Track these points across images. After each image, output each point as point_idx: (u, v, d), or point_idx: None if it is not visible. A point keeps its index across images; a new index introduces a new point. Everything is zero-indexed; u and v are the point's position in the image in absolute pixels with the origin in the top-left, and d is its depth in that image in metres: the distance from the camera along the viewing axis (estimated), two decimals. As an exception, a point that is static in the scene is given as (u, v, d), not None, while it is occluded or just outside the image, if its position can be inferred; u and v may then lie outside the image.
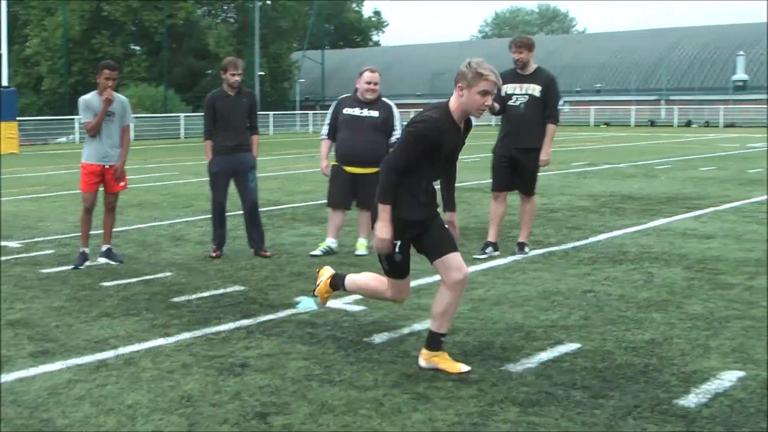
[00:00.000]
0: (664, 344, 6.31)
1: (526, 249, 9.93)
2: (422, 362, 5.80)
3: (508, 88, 9.79)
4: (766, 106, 61.10)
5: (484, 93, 5.59)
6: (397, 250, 5.68)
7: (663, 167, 23.07)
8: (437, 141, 5.59)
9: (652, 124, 63.35)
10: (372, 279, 6.07)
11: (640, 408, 5.03)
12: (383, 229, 5.59)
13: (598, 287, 8.17)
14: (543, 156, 9.81)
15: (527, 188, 9.97)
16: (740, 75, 69.13)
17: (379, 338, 6.53)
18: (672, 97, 69.11)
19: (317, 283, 6.29)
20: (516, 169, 9.87)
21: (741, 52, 69.22)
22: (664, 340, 6.42)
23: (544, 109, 9.78)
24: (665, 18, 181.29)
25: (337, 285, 6.20)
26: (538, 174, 10.06)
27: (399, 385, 5.44)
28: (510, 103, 9.77)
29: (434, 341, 5.78)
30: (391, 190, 5.56)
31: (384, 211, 5.58)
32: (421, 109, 5.82)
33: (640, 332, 6.62)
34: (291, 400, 5.18)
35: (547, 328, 6.77)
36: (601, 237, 11.14)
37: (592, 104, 69.12)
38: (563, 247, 10.42)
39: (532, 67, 9.86)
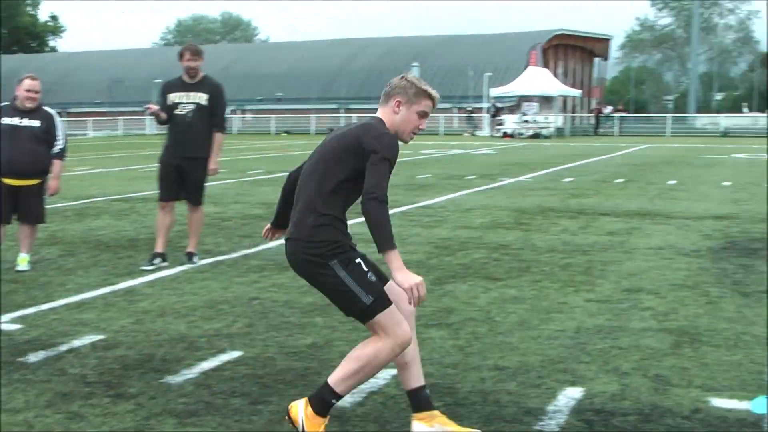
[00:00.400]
0: (324, 347, 6.46)
1: (195, 259, 9.88)
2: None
3: (174, 97, 9.72)
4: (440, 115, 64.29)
5: (423, 114, 4.73)
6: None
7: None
8: None
9: (331, 131, 64.94)
10: (360, 349, 4.71)
11: (297, 411, 5.11)
12: (409, 276, 4.42)
13: (265, 294, 8.26)
14: (212, 165, 9.80)
15: (194, 197, 9.92)
16: (415, 85, 72.27)
17: (34, 357, 6.24)
18: (351, 106, 71.34)
19: (300, 424, 4.68)
20: (183, 179, 9.80)
21: (415, 63, 72.51)
22: (325, 343, 6.58)
23: (211, 117, 9.78)
24: (344, 31, 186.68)
25: (322, 405, 4.67)
26: (207, 183, 10.04)
27: (52, 405, 5.24)
28: (176, 111, 9.70)
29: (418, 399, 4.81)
30: (390, 229, 4.47)
31: (396, 258, 4.43)
32: (368, 125, 4.70)
33: (302, 337, 6.75)
34: (-69, 429, 4.87)
35: (210, 337, 6.76)
36: (272, 245, 11.25)
37: (273, 112, 70.05)
38: (233, 255, 10.45)
39: (200, 75, 9.83)
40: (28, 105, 9.63)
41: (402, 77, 4.80)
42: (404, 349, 4.61)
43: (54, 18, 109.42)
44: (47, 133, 9.68)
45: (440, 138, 54.13)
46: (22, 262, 9.61)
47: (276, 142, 49.90)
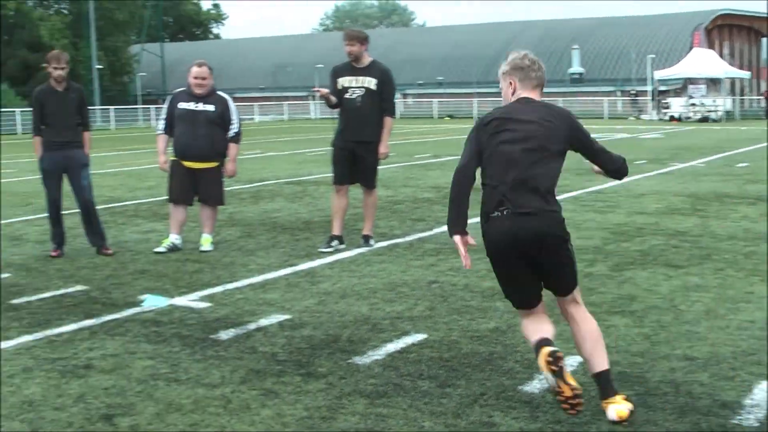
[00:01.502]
0: (507, 332, 6.44)
1: (371, 241, 10.00)
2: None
3: (343, 81, 9.82)
4: (603, 98, 63.26)
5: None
6: None
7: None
8: None
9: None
10: (592, 324, 4.97)
11: (486, 395, 5.12)
12: None
13: (443, 278, 8.29)
14: (382, 149, 9.87)
15: (368, 181, 10.02)
16: (576, 68, 71.32)
17: (225, 334, 6.45)
18: (511, 90, 70.58)
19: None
20: (356, 163, 9.90)
21: (575, 46, 71.41)
22: (508, 328, 6.55)
23: (381, 101, 9.84)
24: (502, 14, 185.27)
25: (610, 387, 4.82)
26: (379, 167, 10.12)
27: (246, 381, 5.40)
28: (346, 96, 9.80)
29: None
30: None
31: None
32: (570, 115, 5.07)
33: (484, 321, 6.75)
34: (137, 401, 5.07)
35: (393, 319, 6.83)
36: (446, 228, 11.25)
37: (435, 96, 70.10)
38: (408, 238, 10.53)
39: (367, 60, 9.88)
40: (198, 91, 9.93)
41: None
42: None
43: (216, 6, 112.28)
44: (222, 118, 9.97)
45: (605, 122, 53.09)
46: (206, 242, 9.92)
47: (439, 126, 49.97)
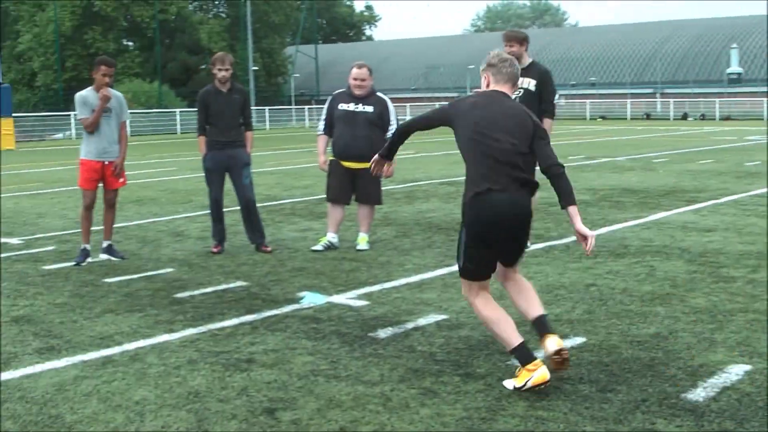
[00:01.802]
0: (669, 338, 6.30)
1: (528, 243, 9.91)
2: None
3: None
4: (763, 98, 61.14)
5: None
6: None
7: (660, 160, 23.08)
8: None
9: (648, 117, 63.26)
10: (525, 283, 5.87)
11: (648, 402, 5.02)
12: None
13: (601, 281, 8.17)
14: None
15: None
16: (734, 68, 69.18)
17: (383, 333, 6.52)
18: (667, 90, 69.10)
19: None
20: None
21: (734, 45, 69.24)
22: (669, 333, 6.41)
23: (540, 103, 9.75)
24: (656, 12, 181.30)
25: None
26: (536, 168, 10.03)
27: (405, 380, 5.44)
28: (508, 98, 9.75)
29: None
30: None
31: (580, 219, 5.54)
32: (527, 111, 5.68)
33: (644, 326, 6.62)
34: (298, 396, 5.17)
35: (551, 322, 6.75)
36: (602, 231, 11.14)
37: (588, 98, 69.14)
38: (564, 240, 10.42)
39: (527, 60, 9.81)
40: (357, 92, 10.04)
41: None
42: None
43: (369, 8, 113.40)
44: (381, 118, 10.06)
45: (765, 123, 51.37)
46: (362, 241, 10.04)
47: (592, 127, 49.29)
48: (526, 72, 9.74)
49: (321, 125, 10.37)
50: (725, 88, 67.06)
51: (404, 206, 13.81)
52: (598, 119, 63.21)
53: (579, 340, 6.24)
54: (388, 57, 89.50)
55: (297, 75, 79.80)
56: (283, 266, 9.14)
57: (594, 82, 74.20)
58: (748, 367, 5.61)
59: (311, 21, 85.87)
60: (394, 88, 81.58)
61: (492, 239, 5.37)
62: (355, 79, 10.08)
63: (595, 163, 22.26)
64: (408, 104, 69.16)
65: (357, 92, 10.07)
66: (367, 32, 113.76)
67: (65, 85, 58.63)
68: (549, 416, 4.82)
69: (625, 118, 62.69)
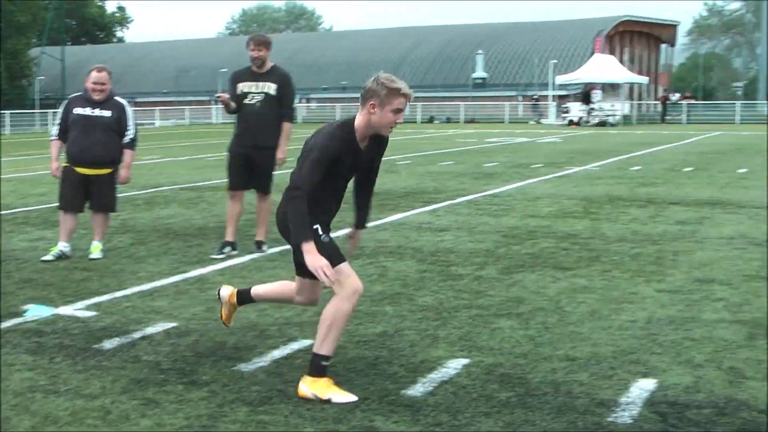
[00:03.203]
0: (395, 336, 6.47)
1: (264, 247, 9.95)
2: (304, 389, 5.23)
3: (243, 87, 9.79)
4: (505, 102, 64.02)
5: (397, 111, 5.28)
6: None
7: (404, 162, 23.67)
8: (335, 159, 5.24)
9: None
10: (278, 285, 6.12)
11: (369, 400, 5.13)
12: (317, 258, 5.12)
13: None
14: (279, 154, 9.86)
15: (263, 186, 9.99)
16: (480, 72, 72.12)
17: (109, 344, 6.35)
18: (415, 94, 70.94)
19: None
20: (252, 168, 9.86)
21: (480, 51, 72.20)
22: (395, 332, 6.59)
23: (280, 107, 9.82)
24: (408, 17, 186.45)
25: (243, 299, 6.11)
26: (275, 172, 10.09)
27: (128, 391, 5.32)
28: (245, 101, 9.76)
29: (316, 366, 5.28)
30: (307, 224, 5.16)
31: (309, 251, 5.13)
32: (322, 127, 5.41)
33: (372, 325, 6.77)
34: (12, 414, 4.95)
35: (281, 325, 6.80)
36: (339, 233, 11.26)
37: (338, 101, 70.16)
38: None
39: (268, 65, 9.88)
40: (96, 96, 9.79)
41: (374, 79, 5.25)
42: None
43: (121, 9, 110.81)
44: (118, 123, 9.84)
45: (505, 126, 53.87)
46: (95, 250, 9.77)
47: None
48: (267, 76, 9.80)
49: (55, 130, 10.02)
50: (470, 92, 69.81)
51: (143, 213, 13.52)
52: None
53: (306, 343, 6.28)
54: (139, 60, 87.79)
55: (42, 77, 76.89)
56: (9, 278, 8.73)
57: (345, 86, 75.42)
58: (466, 361, 5.85)
59: (59, 21, 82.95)
60: (145, 91, 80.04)
61: None
62: (95, 83, 9.78)
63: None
64: (158, 108, 67.98)
65: (96, 97, 9.77)
66: (119, 34, 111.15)
67: None
68: (270, 420, 4.84)
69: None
